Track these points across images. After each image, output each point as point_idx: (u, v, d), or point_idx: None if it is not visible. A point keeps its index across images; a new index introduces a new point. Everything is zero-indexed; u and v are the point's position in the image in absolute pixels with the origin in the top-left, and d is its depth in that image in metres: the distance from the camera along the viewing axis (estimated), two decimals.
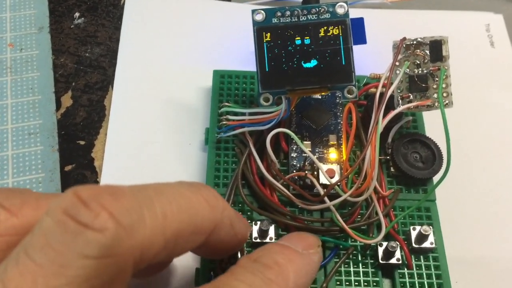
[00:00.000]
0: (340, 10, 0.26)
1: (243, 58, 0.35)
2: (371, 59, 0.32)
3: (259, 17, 0.26)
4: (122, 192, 0.16)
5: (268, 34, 0.26)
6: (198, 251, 0.22)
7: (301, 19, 0.26)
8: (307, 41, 0.26)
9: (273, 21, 0.26)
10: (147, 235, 0.16)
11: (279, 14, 0.26)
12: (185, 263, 0.26)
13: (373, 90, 0.30)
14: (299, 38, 0.26)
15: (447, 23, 0.38)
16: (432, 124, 0.30)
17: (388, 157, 0.29)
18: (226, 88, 0.31)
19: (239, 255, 0.25)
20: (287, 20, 0.26)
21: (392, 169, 0.28)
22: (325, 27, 0.26)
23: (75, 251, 0.15)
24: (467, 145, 0.33)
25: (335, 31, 0.26)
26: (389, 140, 0.29)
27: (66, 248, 0.15)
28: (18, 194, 0.18)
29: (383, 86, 0.26)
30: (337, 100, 0.30)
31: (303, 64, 0.26)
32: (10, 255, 0.15)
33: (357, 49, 0.26)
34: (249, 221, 0.26)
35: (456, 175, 0.28)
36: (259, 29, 0.26)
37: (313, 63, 0.26)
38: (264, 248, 0.21)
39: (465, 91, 0.33)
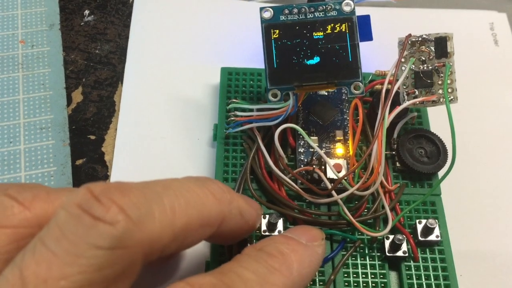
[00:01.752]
0: (346, 8, 0.27)
1: (250, 55, 0.35)
2: (376, 57, 0.32)
3: (267, 14, 0.27)
4: (131, 188, 0.17)
5: (276, 31, 0.27)
6: (209, 239, 0.23)
7: (308, 17, 0.27)
8: (314, 38, 0.26)
9: (280, 19, 0.27)
10: (156, 229, 0.17)
11: (286, 11, 0.27)
12: (195, 256, 0.27)
13: (378, 87, 0.31)
14: (306, 35, 0.27)
15: (452, 22, 0.38)
16: (436, 121, 0.31)
17: (393, 152, 0.29)
18: (234, 85, 0.32)
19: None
20: (294, 18, 0.27)
21: (397, 164, 0.29)
22: (332, 24, 0.27)
23: (88, 242, 0.16)
24: (470, 141, 0.33)
25: (342, 28, 0.27)
26: (395, 135, 0.29)
27: (79, 239, 0.16)
28: (30, 189, 0.19)
29: (389, 82, 0.26)
30: (343, 97, 0.31)
31: (310, 60, 0.26)
32: (28, 246, 0.16)
33: (362, 47, 0.27)
34: None
35: (460, 170, 0.28)
36: (267, 26, 0.27)
37: (320, 59, 0.26)
38: (269, 239, 0.21)
39: (469, 88, 0.34)
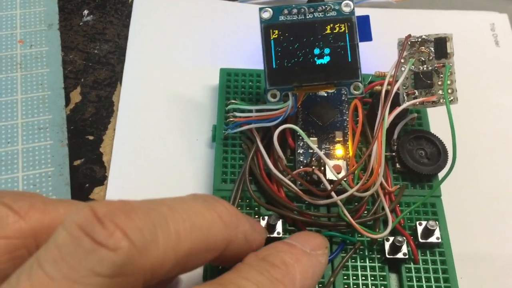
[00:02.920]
0: (346, 8, 0.27)
1: (249, 56, 0.35)
2: (376, 58, 0.32)
3: (266, 14, 0.27)
4: (136, 210, 0.16)
5: (275, 32, 0.26)
6: (210, 261, 0.22)
7: (307, 17, 0.27)
8: (313, 38, 0.26)
9: (280, 19, 0.27)
10: (159, 255, 0.16)
11: (286, 11, 0.27)
12: None
13: (378, 88, 0.31)
14: (305, 35, 0.26)
15: (452, 23, 0.38)
16: (436, 122, 0.30)
17: (393, 154, 0.29)
18: (233, 86, 0.31)
19: None
20: (293, 18, 0.27)
21: (397, 165, 0.29)
22: (332, 25, 0.27)
23: (87, 268, 0.15)
24: (471, 142, 0.33)
25: (341, 29, 0.26)
26: (395, 136, 0.29)
27: (79, 264, 0.15)
28: (26, 198, 0.18)
29: (389, 83, 0.26)
30: (343, 98, 0.30)
31: (309, 61, 0.26)
32: (24, 265, 0.15)
33: (362, 49, 0.27)
34: (256, 216, 0.27)
35: (461, 171, 0.28)
36: (266, 26, 0.27)
37: (319, 60, 0.26)
38: (271, 247, 0.21)
39: (470, 89, 0.34)
